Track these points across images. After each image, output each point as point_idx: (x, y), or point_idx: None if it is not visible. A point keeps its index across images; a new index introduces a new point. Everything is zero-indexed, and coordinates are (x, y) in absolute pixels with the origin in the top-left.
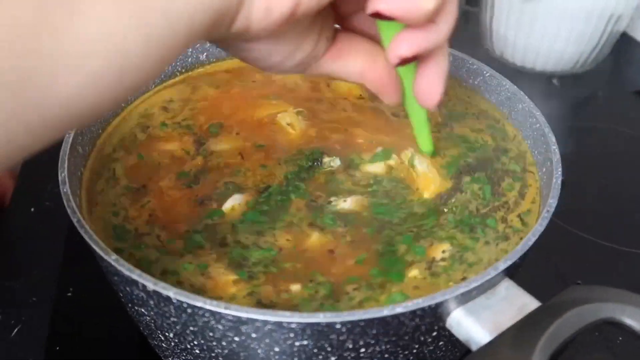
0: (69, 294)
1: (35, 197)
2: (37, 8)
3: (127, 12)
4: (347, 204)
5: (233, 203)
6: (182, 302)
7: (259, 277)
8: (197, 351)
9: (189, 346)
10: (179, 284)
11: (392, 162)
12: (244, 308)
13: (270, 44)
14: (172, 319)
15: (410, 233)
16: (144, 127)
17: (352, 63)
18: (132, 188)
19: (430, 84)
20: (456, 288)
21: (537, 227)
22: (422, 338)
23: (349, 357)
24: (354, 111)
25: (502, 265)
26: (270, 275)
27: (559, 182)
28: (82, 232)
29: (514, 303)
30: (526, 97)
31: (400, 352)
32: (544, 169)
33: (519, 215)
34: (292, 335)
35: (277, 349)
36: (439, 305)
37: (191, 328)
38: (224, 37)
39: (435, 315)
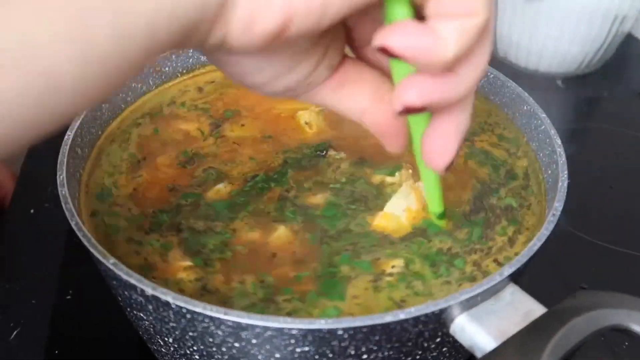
0: (69, 297)
1: (35, 198)
2: None
3: (55, 19)
4: (317, 197)
5: (217, 188)
6: (181, 308)
7: (214, 265)
8: (197, 357)
9: (188, 352)
10: (136, 253)
11: (390, 178)
12: (244, 314)
13: (256, 61)
14: (171, 324)
15: (346, 252)
16: (171, 103)
17: (355, 98)
18: (135, 157)
19: (441, 142)
20: (460, 293)
21: (543, 232)
22: (425, 344)
23: None
24: None
25: (508, 270)
26: (224, 264)
27: (565, 185)
28: (79, 234)
29: (520, 309)
30: (531, 98)
31: (403, 358)
32: (549, 172)
33: (495, 260)
34: (293, 341)
35: (277, 355)
36: (442, 311)
37: (190, 333)
38: (198, 47)
39: (439, 321)
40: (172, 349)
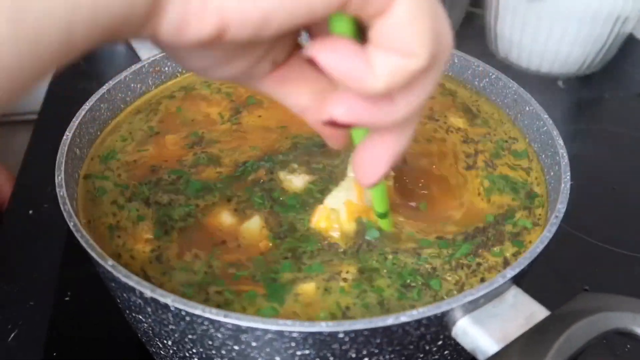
0: (67, 297)
1: (34, 199)
2: None
3: None
4: (298, 180)
5: (207, 171)
6: (180, 310)
7: (172, 234)
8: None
9: (187, 354)
10: (113, 215)
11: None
12: (243, 316)
13: (192, 50)
14: (170, 326)
15: (285, 260)
16: (202, 83)
17: (296, 96)
18: (152, 131)
19: (370, 161)
20: (463, 296)
21: (546, 234)
22: (427, 347)
23: None
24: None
25: (510, 272)
26: (181, 233)
27: (568, 186)
28: (78, 236)
29: (522, 311)
30: (533, 99)
31: None
32: (552, 173)
33: (482, 279)
34: (293, 344)
35: (278, 358)
36: (444, 314)
37: (190, 336)
38: (131, 38)
39: (440, 324)
40: (171, 351)
